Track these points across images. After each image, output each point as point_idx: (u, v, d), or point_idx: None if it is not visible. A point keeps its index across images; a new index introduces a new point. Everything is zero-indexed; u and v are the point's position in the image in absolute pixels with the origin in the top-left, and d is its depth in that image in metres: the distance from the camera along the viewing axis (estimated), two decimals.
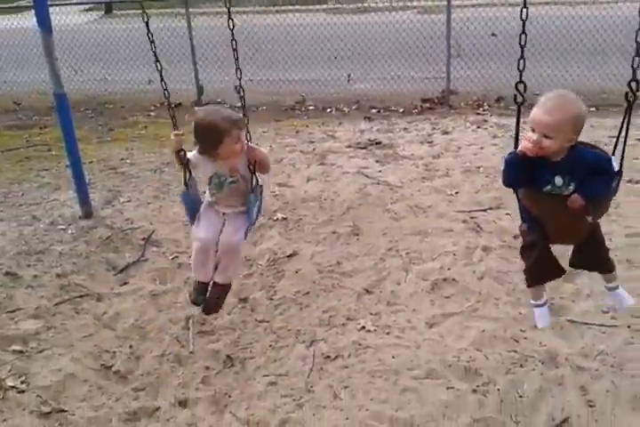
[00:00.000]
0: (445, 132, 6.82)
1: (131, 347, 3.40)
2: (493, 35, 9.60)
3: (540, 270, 2.56)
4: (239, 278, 4.04)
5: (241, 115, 2.82)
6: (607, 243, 3.98)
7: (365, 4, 17.03)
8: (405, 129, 7.11)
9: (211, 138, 2.69)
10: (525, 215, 2.50)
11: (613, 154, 2.37)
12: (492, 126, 6.88)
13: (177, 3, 9.58)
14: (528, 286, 2.73)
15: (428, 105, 8.33)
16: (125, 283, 4.02)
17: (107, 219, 4.81)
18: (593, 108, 7.37)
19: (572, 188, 2.28)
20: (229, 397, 3.03)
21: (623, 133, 2.29)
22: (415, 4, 14.43)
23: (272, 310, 3.73)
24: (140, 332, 3.53)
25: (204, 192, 2.99)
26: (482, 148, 6.10)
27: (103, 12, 19.24)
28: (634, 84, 2.21)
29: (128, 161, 6.25)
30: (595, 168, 2.26)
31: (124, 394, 3.05)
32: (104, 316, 3.67)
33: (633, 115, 2.29)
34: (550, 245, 2.50)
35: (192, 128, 2.71)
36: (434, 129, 6.99)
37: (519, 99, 2.27)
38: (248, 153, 2.82)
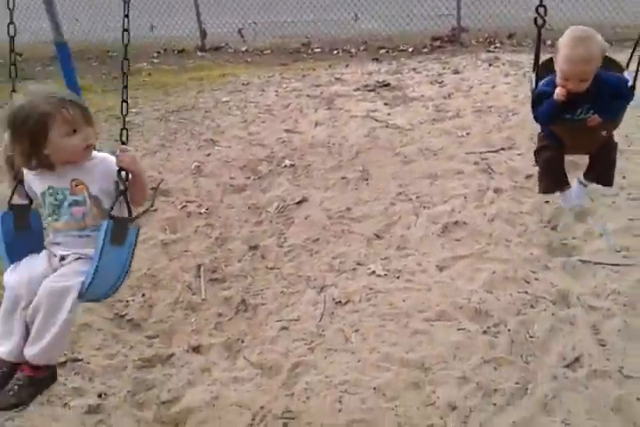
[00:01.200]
0: (456, 72, 6.60)
1: (143, 295, 3.44)
2: None
3: (551, 175, 2.69)
4: (249, 226, 4.04)
5: (78, 99, 2.01)
6: (621, 180, 3.96)
7: None
8: (415, 69, 6.90)
9: (30, 130, 1.90)
10: (544, 128, 2.63)
11: (627, 67, 2.48)
12: (504, 64, 6.64)
13: None
14: (540, 193, 2.88)
15: (438, 43, 8.07)
16: None
17: None
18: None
19: (591, 113, 2.40)
20: (242, 342, 3.08)
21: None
22: None
23: (282, 256, 3.73)
24: (153, 280, 3.56)
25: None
26: (494, 86, 5.92)
27: None
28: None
29: (133, 110, 6.14)
30: (614, 92, 2.37)
31: (139, 342, 3.11)
32: None
33: None
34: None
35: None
36: (444, 69, 6.78)
37: (539, 21, 2.29)
38: (119, 160, 1.98)
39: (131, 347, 3.06)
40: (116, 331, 3.18)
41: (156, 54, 8.55)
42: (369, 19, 9.10)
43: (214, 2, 9.18)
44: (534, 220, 3.73)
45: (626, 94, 2.40)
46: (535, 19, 2.30)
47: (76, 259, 2.00)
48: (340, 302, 3.29)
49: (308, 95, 6.23)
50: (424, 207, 4.05)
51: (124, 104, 2.10)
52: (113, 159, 2.01)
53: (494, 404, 2.52)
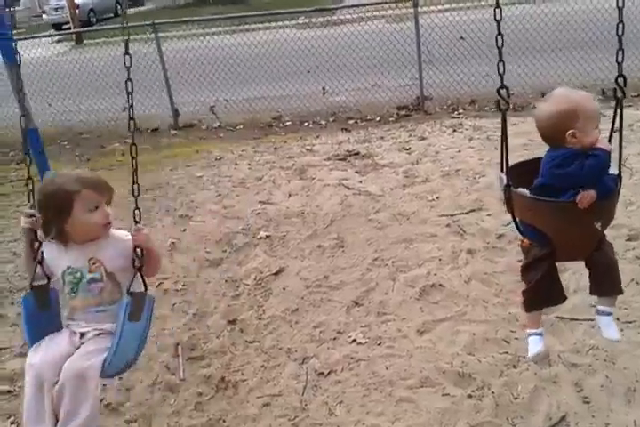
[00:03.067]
0: (422, 138, 6.85)
1: (120, 378, 3.33)
2: (462, 38, 9.70)
3: (544, 292, 2.33)
4: (227, 300, 4.02)
5: (104, 181, 2.20)
6: None
7: (335, 17, 17.18)
8: (383, 138, 7.13)
9: (55, 205, 2.09)
10: (526, 228, 2.28)
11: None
12: (467, 129, 6.91)
13: (146, 28, 9.60)
14: (526, 311, 2.46)
15: (403, 112, 8.39)
16: None
17: None
18: None
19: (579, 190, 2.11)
20: (224, 422, 2.99)
21: (616, 136, 2.18)
22: (383, 13, 14.57)
23: (262, 329, 3.69)
24: None
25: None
26: (459, 151, 6.13)
27: (74, 43, 19.30)
28: (621, 80, 2.10)
29: None
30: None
31: None
32: None
33: (604, 107, 2.25)
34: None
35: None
36: (411, 136, 7.02)
37: (503, 105, 2.10)
38: (134, 238, 2.19)
39: None
40: None
41: (129, 134, 8.68)
42: (337, 91, 9.48)
43: (185, 81, 9.51)
44: (509, 279, 3.77)
45: (608, 169, 2.14)
46: (498, 102, 2.10)
47: (96, 335, 2.13)
48: (323, 373, 3.24)
49: (280, 167, 6.37)
50: (400, 271, 4.08)
51: (136, 186, 2.32)
52: (127, 238, 2.20)
53: None
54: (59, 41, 19.73)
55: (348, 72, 9.83)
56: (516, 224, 2.29)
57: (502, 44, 2.15)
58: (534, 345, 2.45)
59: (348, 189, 5.56)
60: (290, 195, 5.59)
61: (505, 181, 2.22)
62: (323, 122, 8.44)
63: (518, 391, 2.86)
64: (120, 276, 2.18)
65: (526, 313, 2.48)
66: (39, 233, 2.22)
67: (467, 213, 4.77)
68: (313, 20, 16.68)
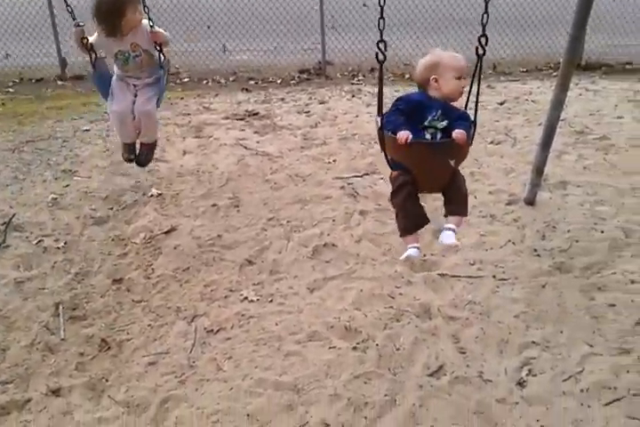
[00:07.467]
0: (322, 102, 6.85)
1: None
2: (364, 5, 9.74)
3: (411, 219, 2.71)
4: (113, 259, 3.86)
5: None
6: (472, 200, 4.25)
7: None
8: (283, 99, 7.06)
9: (114, 12, 3.28)
10: (394, 165, 2.69)
11: (466, 108, 2.74)
12: (365, 95, 6.98)
13: None
14: (402, 237, 2.81)
15: (305, 76, 8.35)
16: None
17: None
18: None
19: (444, 123, 2.61)
20: (106, 381, 2.89)
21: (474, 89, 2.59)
22: None
23: (150, 288, 3.58)
24: (5, 322, 3.27)
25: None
26: (357, 116, 6.19)
27: None
28: (483, 40, 2.43)
29: None
30: (461, 115, 2.66)
31: None
32: None
33: (494, 81, 2.47)
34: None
35: (93, 11, 3.34)
36: (311, 99, 7.00)
37: (380, 57, 2.40)
38: (153, 36, 3.47)
39: None
40: None
41: (11, 83, 8.07)
42: (238, 51, 9.24)
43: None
44: (397, 239, 3.88)
45: (469, 123, 2.59)
46: (376, 54, 2.39)
47: (144, 86, 3.63)
48: (212, 330, 3.21)
49: (175, 124, 6.15)
50: (295, 231, 4.10)
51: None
52: (148, 30, 3.51)
53: (365, 417, 2.56)
54: None
55: (251, 32, 9.60)
56: (387, 160, 2.68)
57: (384, 2, 2.47)
58: (411, 251, 2.76)
59: (246, 148, 5.47)
60: (185, 153, 5.42)
61: (379, 124, 2.58)
62: (222, 81, 8.23)
63: (400, 343, 2.98)
64: (151, 50, 3.56)
65: (402, 238, 2.82)
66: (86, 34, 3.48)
67: (361, 176, 4.85)
68: None
